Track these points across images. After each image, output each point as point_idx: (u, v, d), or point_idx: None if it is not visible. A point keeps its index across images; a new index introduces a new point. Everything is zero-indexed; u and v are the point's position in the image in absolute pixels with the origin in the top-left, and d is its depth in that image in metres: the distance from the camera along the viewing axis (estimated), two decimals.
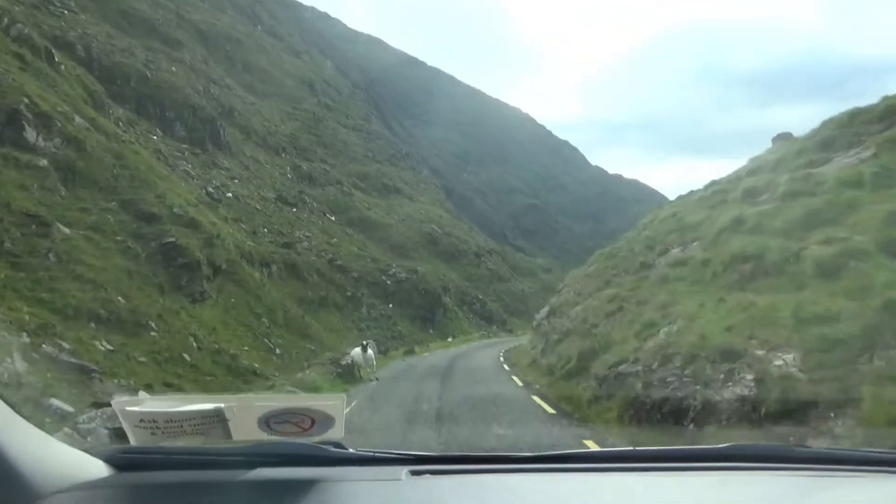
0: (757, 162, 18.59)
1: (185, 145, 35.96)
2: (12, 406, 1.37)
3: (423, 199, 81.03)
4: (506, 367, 20.79)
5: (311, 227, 41.45)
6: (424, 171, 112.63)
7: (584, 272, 23.59)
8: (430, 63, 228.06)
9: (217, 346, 15.27)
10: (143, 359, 11.68)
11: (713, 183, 20.17)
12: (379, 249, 48.54)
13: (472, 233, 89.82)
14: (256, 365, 16.46)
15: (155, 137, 32.92)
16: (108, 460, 1.49)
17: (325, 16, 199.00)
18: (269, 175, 47.39)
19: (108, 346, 12.49)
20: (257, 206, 34.21)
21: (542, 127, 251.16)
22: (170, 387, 10.70)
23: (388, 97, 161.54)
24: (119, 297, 14.69)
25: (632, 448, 1.99)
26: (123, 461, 1.50)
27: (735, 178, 18.19)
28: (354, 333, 26.96)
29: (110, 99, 35.34)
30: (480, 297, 56.99)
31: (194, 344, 14.74)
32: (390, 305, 34.09)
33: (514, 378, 17.22)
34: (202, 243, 19.93)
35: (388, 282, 36.01)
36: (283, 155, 55.10)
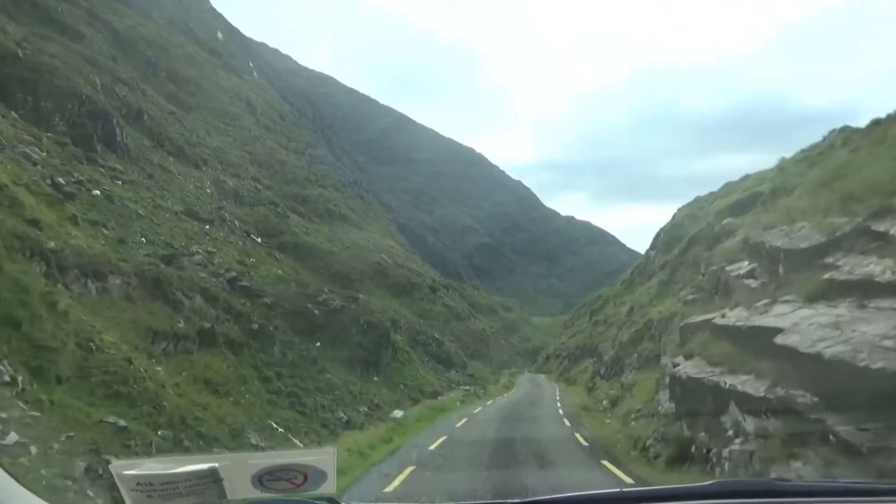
0: None
1: (49, 134, 27.46)
2: (13, 476, 1.34)
3: (373, 229, 73.05)
4: None
5: (226, 245, 33.05)
6: (375, 203, 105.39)
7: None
8: (383, 102, 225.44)
9: None
10: None
11: None
12: (316, 278, 40.20)
13: (426, 267, 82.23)
14: None
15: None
16: None
17: (276, 51, 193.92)
18: (180, 186, 39.03)
19: None
20: (141, 212, 25.75)
21: (496, 167, 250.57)
22: None
23: (340, 133, 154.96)
24: None
25: (619, 490, 1.93)
26: None
27: None
28: (255, 386, 17.59)
29: None
30: (437, 336, 48.85)
31: None
32: (318, 344, 25.48)
33: None
34: None
35: (316, 311, 27.40)
36: (203, 168, 46.82)
